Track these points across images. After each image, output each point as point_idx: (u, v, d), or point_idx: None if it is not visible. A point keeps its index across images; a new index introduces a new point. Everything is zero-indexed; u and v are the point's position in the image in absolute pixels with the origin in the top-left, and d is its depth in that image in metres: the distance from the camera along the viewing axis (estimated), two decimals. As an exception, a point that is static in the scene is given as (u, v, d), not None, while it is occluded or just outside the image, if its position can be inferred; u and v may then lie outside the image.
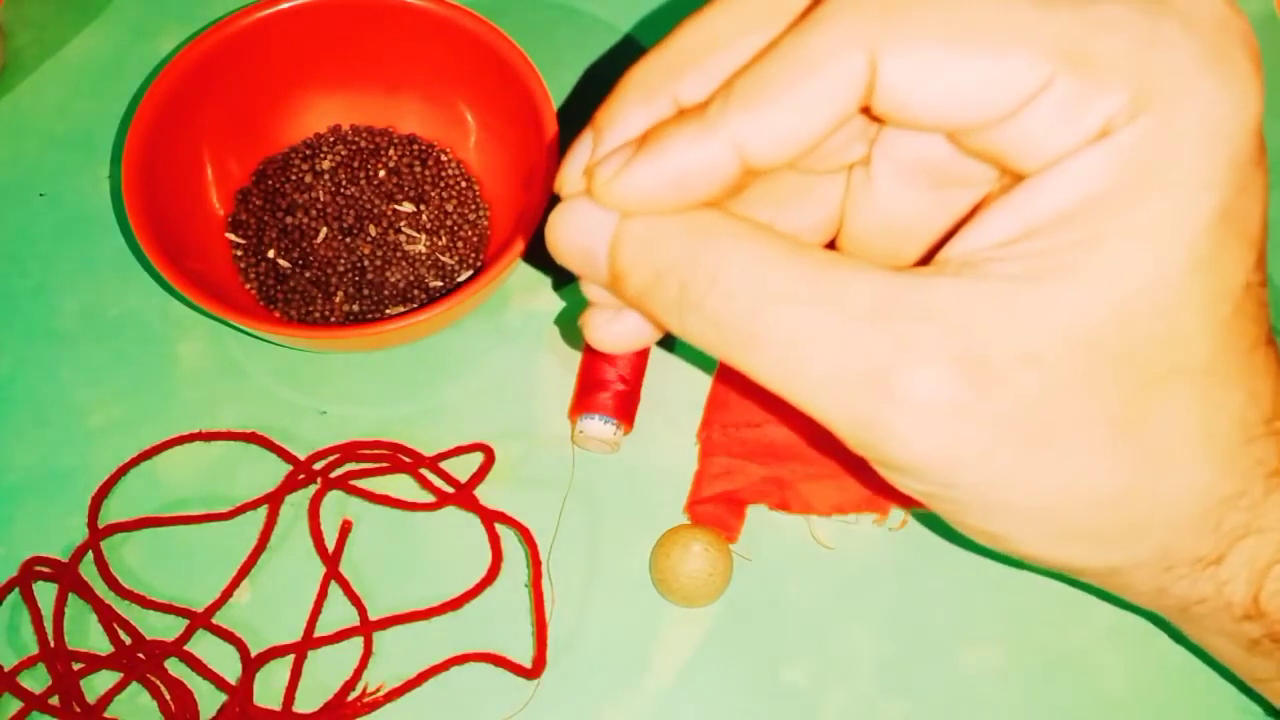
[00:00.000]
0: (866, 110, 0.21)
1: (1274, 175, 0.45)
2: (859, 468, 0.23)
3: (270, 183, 0.40)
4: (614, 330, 0.25)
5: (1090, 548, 0.23)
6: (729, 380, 0.37)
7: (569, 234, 0.23)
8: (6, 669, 0.33)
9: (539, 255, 0.34)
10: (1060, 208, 0.20)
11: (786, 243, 0.21)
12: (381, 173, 0.40)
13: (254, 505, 0.36)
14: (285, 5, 0.37)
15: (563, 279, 0.40)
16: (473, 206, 0.40)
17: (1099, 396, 0.21)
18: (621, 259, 0.22)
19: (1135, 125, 0.20)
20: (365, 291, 0.38)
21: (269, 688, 0.34)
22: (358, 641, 0.34)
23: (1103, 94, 0.20)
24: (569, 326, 0.39)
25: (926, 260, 0.23)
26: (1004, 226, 0.21)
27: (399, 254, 0.39)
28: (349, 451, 0.36)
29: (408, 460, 0.36)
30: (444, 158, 0.41)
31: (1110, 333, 0.20)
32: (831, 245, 0.29)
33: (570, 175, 0.23)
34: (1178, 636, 0.35)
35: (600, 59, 0.44)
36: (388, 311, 0.38)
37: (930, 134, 0.23)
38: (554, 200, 0.23)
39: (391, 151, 0.40)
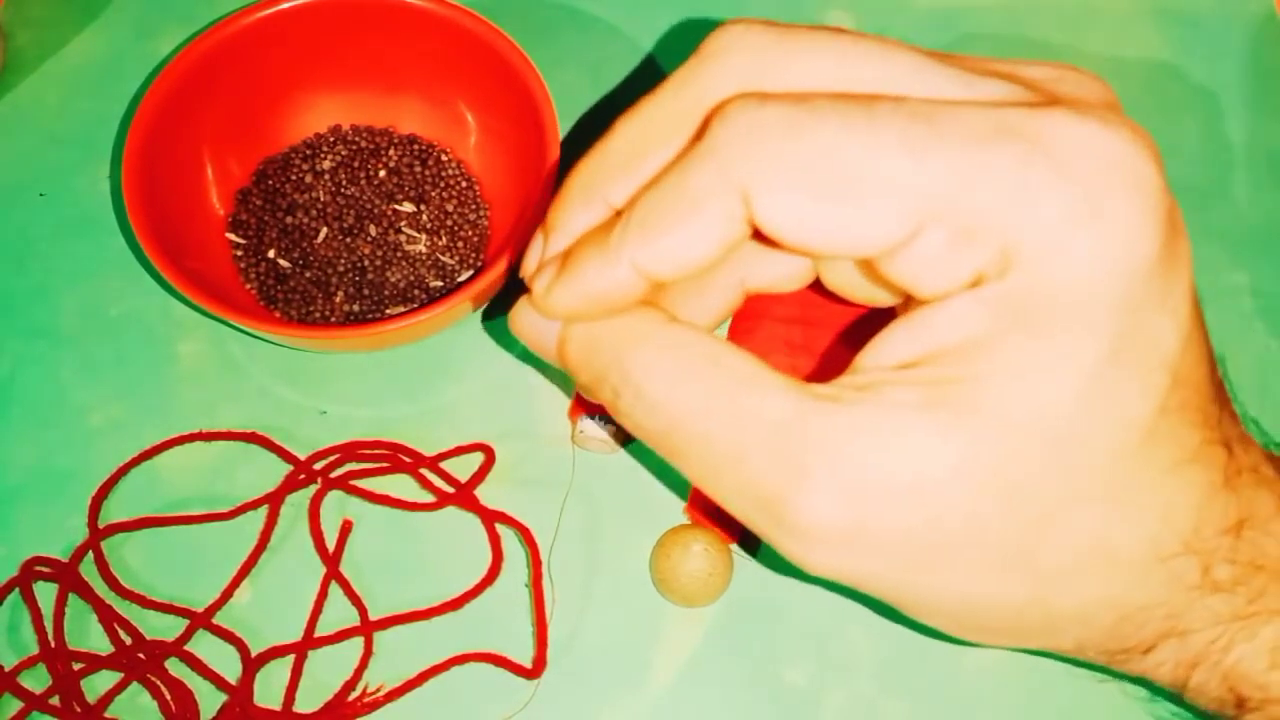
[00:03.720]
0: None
1: (1275, 176, 0.45)
2: None
3: (270, 183, 0.40)
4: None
5: (1013, 639, 0.24)
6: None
7: (525, 330, 0.25)
8: (6, 669, 0.33)
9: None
10: (945, 343, 0.21)
11: (707, 352, 0.23)
12: (382, 173, 0.40)
13: (254, 505, 0.36)
14: (285, 5, 0.37)
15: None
16: (473, 206, 0.40)
17: (985, 525, 0.21)
18: (567, 359, 0.25)
19: (1005, 279, 0.20)
20: (365, 291, 0.38)
21: (269, 688, 0.34)
22: (358, 641, 0.34)
23: (970, 248, 0.20)
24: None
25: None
26: (903, 349, 0.21)
27: (399, 254, 0.39)
28: (349, 451, 0.36)
29: (408, 460, 0.36)
30: (444, 158, 0.41)
31: (999, 466, 0.20)
32: (818, 284, 0.30)
33: (528, 269, 0.25)
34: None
35: (600, 59, 0.44)
36: (388, 311, 0.38)
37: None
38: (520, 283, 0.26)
39: (391, 151, 0.40)
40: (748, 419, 0.22)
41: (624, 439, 0.36)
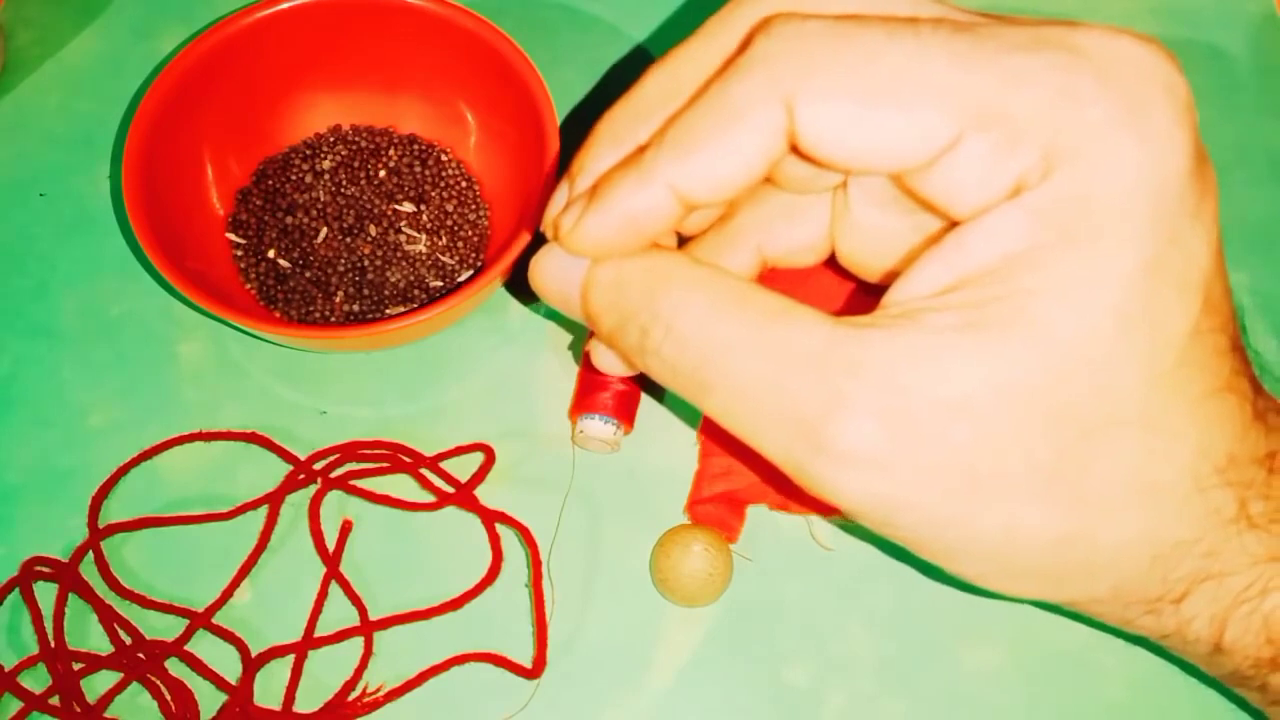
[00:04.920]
0: (796, 149, 0.22)
1: (1275, 175, 0.45)
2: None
3: (270, 183, 0.40)
4: (611, 357, 0.26)
5: (1046, 585, 0.23)
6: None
7: (546, 278, 0.24)
8: (6, 669, 0.33)
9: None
10: (984, 263, 0.21)
11: (737, 290, 0.22)
12: (382, 173, 0.40)
13: (254, 505, 0.36)
14: (285, 5, 0.37)
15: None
16: (473, 206, 0.40)
17: (1030, 448, 0.21)
18: (591, 304, 0.24)
19: (1047, 185, 0.20)
20: (365, 291, 0.38)
21: (269, 688, 0.34)
22: (358, 641, 0.34)
23: (1013, 153, 0.20)
24: (570, 333, 0.39)
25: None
26: (938, 276, 0.21)
27: (399, 254, 0.39)
28: (349, 451, 0.36)
29: (408, 460, 0.36)
30: (444, 158, 0.41)
31: (1041, 386, 0.20)
32: (832, 259, 0.29)
33: (550, 220, 0.24)
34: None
35: (600, 59, 0.44)
36: (388, 311, 0.38)
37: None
38: (541, 238, 0.25)
39: (391, 151, 0.40)
40: (783, 349, 0.21)
41: (628, 428, 0.36)
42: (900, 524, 0.22)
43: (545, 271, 0.25)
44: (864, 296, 0.35)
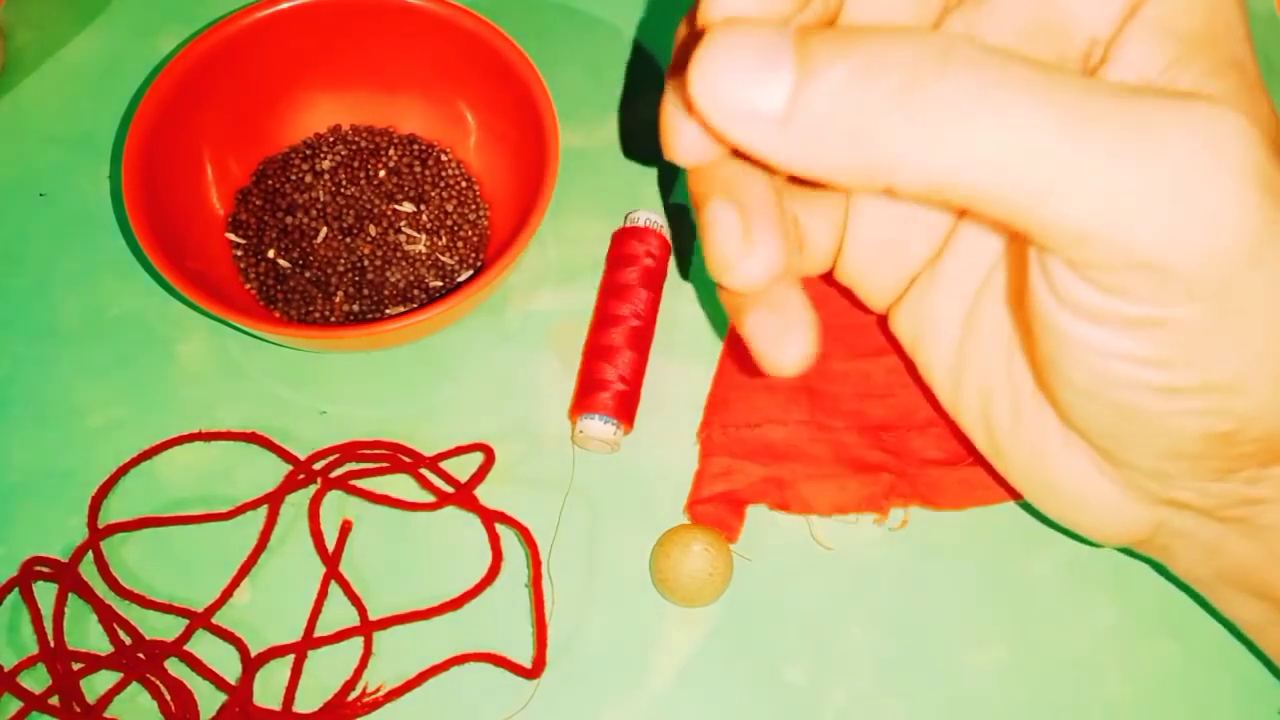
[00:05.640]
0: None
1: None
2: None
3: (270, 183, 0.40)
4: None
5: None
6: (729, 380, 0.37)
7: (730, 62, 0.18)
8: (6, 669, 0.33)
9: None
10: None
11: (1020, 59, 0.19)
12: (381, 173, 0.40)
13: (254, 505, 0.36)
14: (285, 5, 0.37)
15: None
16: (473, 206, 0.40)
17: None
18: (818, 58, 0.18)
19: None
20: (365, 291, 0.38)
21: (269, 688, 0.34)
22: (358, 641, 0.34)
23: None
24: (568, 329, 0.39)
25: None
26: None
27: (399, 254, 0.39)
28: (349, 451, 0.36)
29: (408, 460, 0.36)
30: (444, 158, 0.41)
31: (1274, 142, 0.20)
32: (828, 277, 0.30)
33: (717, 6, 0.20)
34: (1177, 638, 0.35)
35: (600, 59, 0.44)
36: (388, 311, 0.38)
37: None
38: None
39: (391, 151, 0.40)
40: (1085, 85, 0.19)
41: (627, 429, 0.36)
42: (1215, 283, 0.20)
43: (730, 48, 0.18)
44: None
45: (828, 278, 0.31)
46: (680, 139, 0.21)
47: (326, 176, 0.40)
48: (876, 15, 0.24)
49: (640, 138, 0.43)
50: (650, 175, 0.42)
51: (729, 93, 0.18)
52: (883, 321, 0.33)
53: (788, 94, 0.18)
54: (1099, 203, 0.19)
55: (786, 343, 0.23)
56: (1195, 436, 0.23)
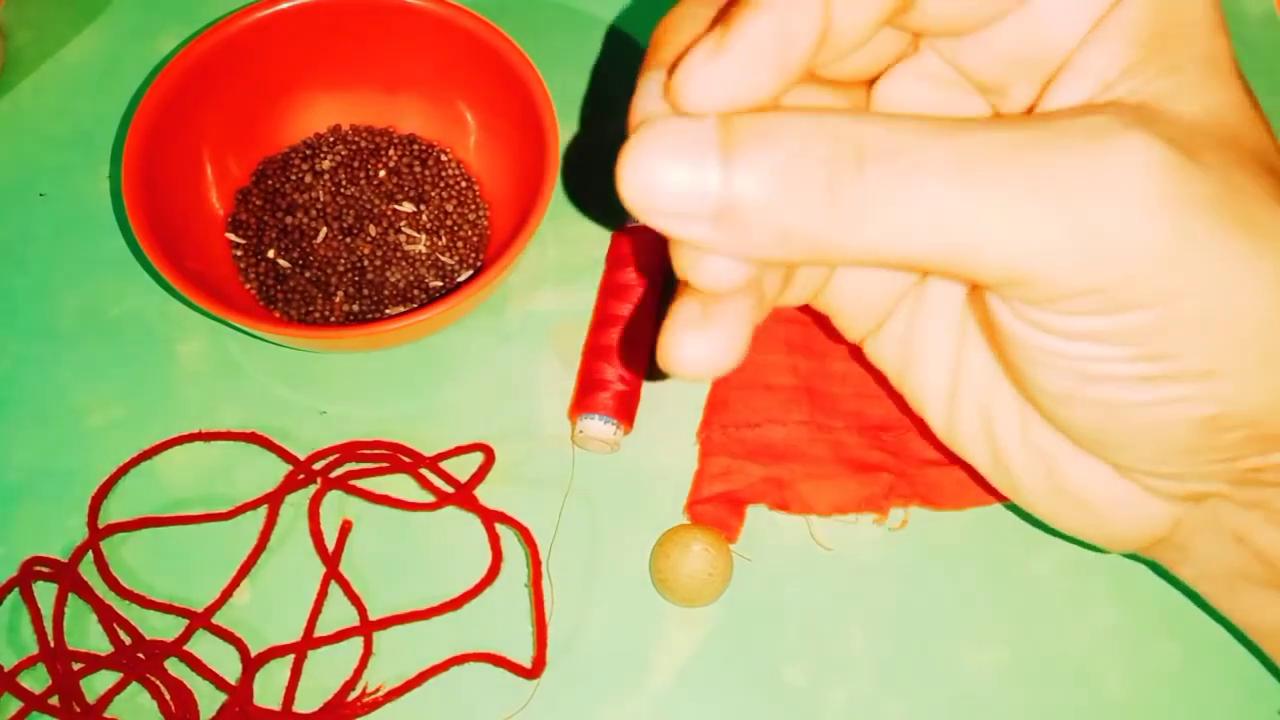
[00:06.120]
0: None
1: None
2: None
3: (270, 183, 0.40)
4: (706, 344, 0.21)
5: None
6: (729, 380, 0.37)
7: (656, 163, 0.19)
8: (6, 669, 0.33)
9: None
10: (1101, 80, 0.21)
11: (913, 114, 0.20)
12: (381, 173, 0.40)
13: (254, 505, 0.36)
14: (285, 5, 0.37)
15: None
16: (473, 206, 0.40)
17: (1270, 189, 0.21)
18: (741, 157, 0.19)
19: None
20: (365, 291, 0.38)
21: (269, 688, 0.34)
22: (358, 641, 0.34)
23: None
24: (568, 329, 0.39)
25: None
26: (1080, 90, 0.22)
27: (399, 254, 0.39)
28: (349, 451, 0.36)
29: (408, 460, 0.36)
30: (444, 158, 0.41)
31: (1230, 133, 0.21)
32: (806, 309, 0.30)
33: (644, 107, 0.20)
34: (1177, 638, 0.35)
35: (600, 59, 0.44)
36: (388, 311, 0.38)
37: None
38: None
39: (391, 151, 0.40)
40: (991, 133, 0.20)
41: (627, 429, 0.36)
42: (1173, 289, 0.20)
43: (652, 154, 0.19)
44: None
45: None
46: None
47: (326, 176, 0.40)
48: (857, 64, 0.25)
49: (640, 138, 0.43)
50: (650, 175, 0.42)
51: (658, 195, 0.19)
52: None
53: (716, 197, 0.19)
54: (1019, 250, 0.20)
55: (689, 342, 0.22)
56: (1181, 426, 0.23)
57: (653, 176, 0.19)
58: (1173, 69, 0.21)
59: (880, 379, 0.31)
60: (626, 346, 0.37)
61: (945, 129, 0.19)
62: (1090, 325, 0.22)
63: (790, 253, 0.20)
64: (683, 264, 0.21)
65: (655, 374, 0.37)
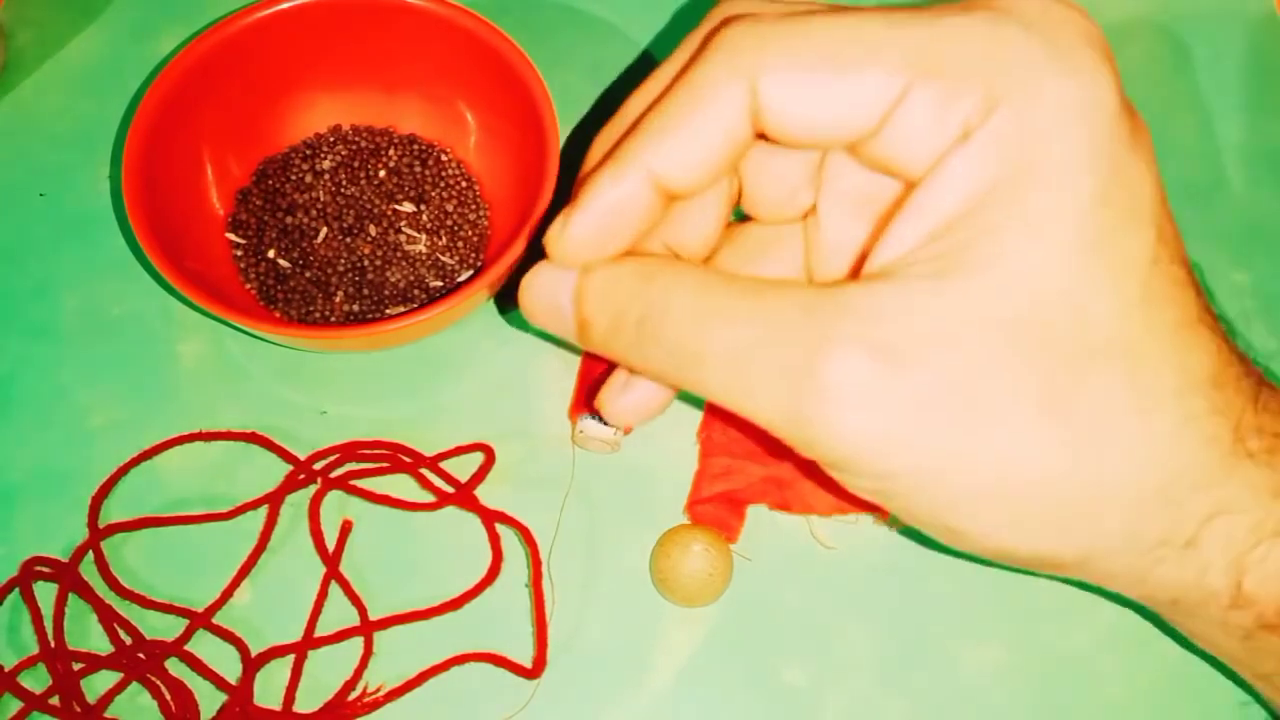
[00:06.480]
0: (762, 136, 0.24)
1: (1275, 175, 0.45)
2: (817, 473, 0.25)
3: (270, 183, 0.40)
4: (626, 401, 0.28)
5: (1051, 534, 0.23)
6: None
7: (537, 295, 0.26)
8: (6, 669, 0.33)
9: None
10: (948, 210, 0.22)
11: (723, 274, 0.24)
12: (381, 173, 0.40)
13: (254, 505, 0.36)
14: (285, 5, 0.37)
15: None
16: (473, 206, 0.40)
17: (1020, 375, 0.22)
18: (585, 308, 0.25)
19: (990, 123, 0.21)
20: (365, 291, 0.38)
21: (269, 688, 0.34)
22: (358, 641, 0.34)
23: (957, 96, 0.22)
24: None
25: None
26: (906, 236, 0.22)
27: (399, 254, 0.39)
28: (349, 451, 0.36)
29: (408, 460, 0.36)
30: (444, 158, 0.41)
31: (1018, 317, 0.21)
32: None
33: (545, 240, 0.26)
34: (1177, 638, 0.35)
35: (600, 59, 0.44)
36: (388, 311, 0.38)
37: (852, 163, 0.25)
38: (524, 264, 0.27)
39: (391, 151, 0.40)
40: (771, 309, 0.23)
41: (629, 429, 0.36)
42: (896, 469, 0.22)
43: (535, 289, 0.26)
44: None
45: None
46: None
47: (326, 176, 0.40)
48: (771, 190, 0.28)
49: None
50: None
51: (538, 317, 0.26)
52: None
53: (574, 324, 0.26)
54: (746, 409, 0.24)
55: (616, 400, 0.28)
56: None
57: (534, 305, 0.26)
58: (988, 229, 0.22)
59: None
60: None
61: (737, 288, 0.24)
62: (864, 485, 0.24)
63: (635, 367, 0.25)
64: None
65: None
